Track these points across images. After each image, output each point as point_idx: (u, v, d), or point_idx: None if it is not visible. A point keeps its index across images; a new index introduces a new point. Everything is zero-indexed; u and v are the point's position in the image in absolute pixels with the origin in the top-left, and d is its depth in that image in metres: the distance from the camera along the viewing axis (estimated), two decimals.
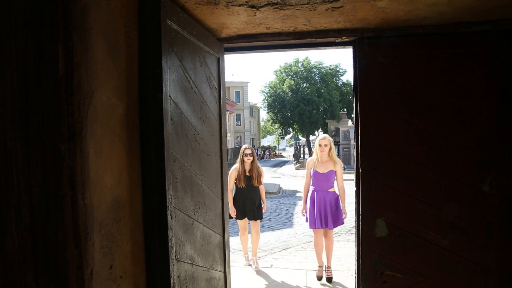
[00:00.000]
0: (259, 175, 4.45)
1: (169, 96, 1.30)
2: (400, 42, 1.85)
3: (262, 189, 4.54)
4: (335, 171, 4.09)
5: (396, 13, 1.67)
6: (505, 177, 1.81)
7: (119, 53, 1.13)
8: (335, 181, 4.10)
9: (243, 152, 4.41)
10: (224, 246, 1.92)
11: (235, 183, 4.29)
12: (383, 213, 1.90)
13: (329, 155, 3.99)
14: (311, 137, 38.02)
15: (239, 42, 2.00)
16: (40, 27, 0.91)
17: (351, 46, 1.97)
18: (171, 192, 1.30)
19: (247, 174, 4.39)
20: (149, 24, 1.24)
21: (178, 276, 1.34)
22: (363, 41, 1.90)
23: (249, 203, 4.40)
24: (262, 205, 4.62)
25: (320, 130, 32.60)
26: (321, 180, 3.99)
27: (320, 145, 3.94)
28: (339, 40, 1.96)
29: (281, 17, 1.68)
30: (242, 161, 4.35)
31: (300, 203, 12.03)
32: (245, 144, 4.87)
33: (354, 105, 1.98)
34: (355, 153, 2.01)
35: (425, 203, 1.86)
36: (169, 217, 1.27)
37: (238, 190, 4.35)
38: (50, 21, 0.91)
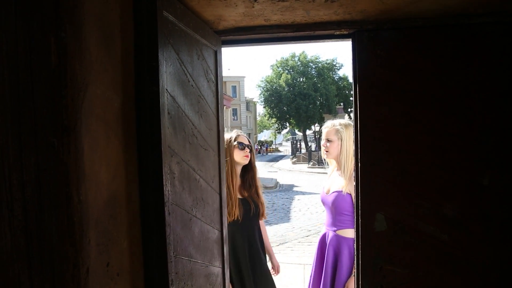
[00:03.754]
0: (260, 197, 2.28)
1: (166, 89, 1.27)
2: (400, 34, 1.83)
3: (262, 225, 2.37)
4: (350, 195, 2.27)
5: (396, 5, 1.64)
6: (505, 171, 1.80)
7: (114, 45, 1.10)
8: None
9: (234, 140, 2.21)
10: (222, 242, 1.90)
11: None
12: (383, 207, 1.89)
13: (338, 161, 2.36)
14: (308, 132, 38.08)
15: (236, 34, 1.96)
16: (31, 18, 0.88)
17: (350, 39, 1.94)
18: (169, 187, 1.27)
19: (244, 193, 2.23)
20: (144, 15, 1.21)
21: (176, 273, 1.32)
22: (362, 34, 1.87)
23: (247, 262, 2.19)
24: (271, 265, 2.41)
25: (316, 124, 32.62)
26: (326, 209, 2.41)
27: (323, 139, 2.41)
28: (338, 33, 1.93)
29: (280, 9, 1.65)
30: (231, 162, 2.14)
31: (298, 198, 12.08)
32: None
33: (353, 98, 1.95)
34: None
35: (425, 197, 1.85)
36: (166, 213, 1.24)
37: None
38: (41, 11, 0.88)
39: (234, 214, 2.14)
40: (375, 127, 1.88)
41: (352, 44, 1.92)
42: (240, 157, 2.21)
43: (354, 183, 1.99)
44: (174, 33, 1.37)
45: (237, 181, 2.21)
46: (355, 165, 1.95)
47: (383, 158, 1.88)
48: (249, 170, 2.27)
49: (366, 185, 1.91)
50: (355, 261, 1.98)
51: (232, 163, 2.14)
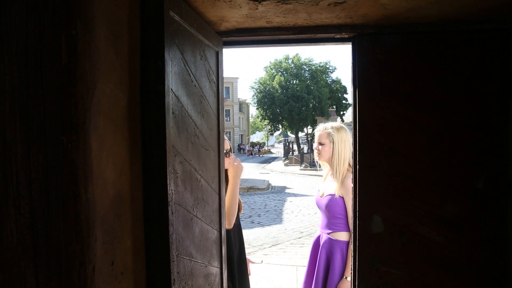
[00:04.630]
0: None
1: (171, 89, 1.28)
2: (400, 39, 1.86)
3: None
4: (342, 198, 2.30)
5: (398, 10, 1.67)
6: (499, 174, 1.84)
7: (121, 44, 1.10)
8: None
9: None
10: (220, 242, 1.90)
11: None
12: (380, 209, 1.91)
13: (331, 164, 2.36)
14: (300, 134, 38.20)
15: (237, 36, 1.97)
16: (42, 15, 0.88)
17: (350, 42, 1.97)
18: (172, 186, 1.28)
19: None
20: (151, 15, 1.21)
21: (178, 272, 1.32)
22: (362, 38, 1.89)
23: (236, 258, 2.28)
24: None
25: (309, 126, 32.76)
26: (321, 212, 2.43)
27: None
28: (338, 36, 1.95)
29: (283, 11, 1.66)
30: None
31: (290, 199, 12.11)
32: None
33: (352, 101, 1.98)
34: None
35: (421, 200, 1.88)
36: (170, 212, 1.25)
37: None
38: (52, 9, 0.88)
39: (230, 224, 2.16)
40: (373, 130, 1.90)
41: (352, 47, 1.95)
42: (226, 164, 2.16)
43: (352, 185, 2.01)
44: (179, 33, 1.37)
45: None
46: (353, 167, 1.98)
47: (381, 160, 1.91)
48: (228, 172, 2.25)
49: (364, 186, 1.93)
50: (352, 262, 1.99)
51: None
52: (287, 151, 31.07)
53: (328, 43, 2.06)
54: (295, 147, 36.00)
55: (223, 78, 1.97)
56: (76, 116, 0.89)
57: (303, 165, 23.34)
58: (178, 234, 1.33)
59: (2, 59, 0.87)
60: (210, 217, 1.75)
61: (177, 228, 1.32)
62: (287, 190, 14.48)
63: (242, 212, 2.43)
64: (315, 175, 18.71)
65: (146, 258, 1.24)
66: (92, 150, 0.94)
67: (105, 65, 1.00)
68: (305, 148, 31.09)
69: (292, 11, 1.66)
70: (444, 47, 1.84)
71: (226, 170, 2.26)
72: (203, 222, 1.64)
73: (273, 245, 6.90)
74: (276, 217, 9.44)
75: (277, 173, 22.60)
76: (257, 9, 1.61)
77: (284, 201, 11.96)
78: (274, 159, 35.52)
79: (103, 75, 0.99)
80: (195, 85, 1.55)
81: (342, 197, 2.31)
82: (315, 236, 2.51)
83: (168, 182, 1.24)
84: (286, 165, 26.64)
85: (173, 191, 1.28)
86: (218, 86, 1.90)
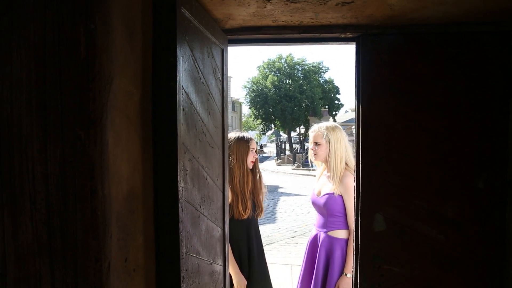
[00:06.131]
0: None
1: (182, 86, 1.27)
2: (404, 40, 1.88)
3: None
4: (341, 197, 2.33)
5: (403, 11, 1.68)
6: (499, 174, 1.87)
7: (136, 39, 1.09)
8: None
9: (248, 144, 2.30)
10: (224, 240, 1.90)
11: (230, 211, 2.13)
12: (382, 208, 1.93)
13: (327, 164, 2.38)
14: (292, 133, 38.24)
15: (242, 34, 1.97)
16: (61, 8, 0.87)
17: (354, 42, 1.98)
18: (182, 184, 1.27)
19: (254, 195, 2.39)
20: (164, 11, 1.20)
21: (186, 270, 1.31)
22: (367, 38, 1.91)
23: (251, 253, 2.33)
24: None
25: (301, 126, 32.82)
26: (317, 211, 2.45)
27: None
28: (343, 36, 1.96)
29: (290, 10, 1.67)
30: (245, 164, 2.27)
31: (283, 199, 12.13)
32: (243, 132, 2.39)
33: (355, 101, 1.99)
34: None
35: (423, 198, 1.91)
36: (180, 209, 1.24)
37: (236, 226, 2.24)
38: (71, 2, 0.87)
39: (249, 213, 2.29)
40: (376, 129, 1.92)
41: (356, 47, 1.96)
42: (249, 162, 2.32)
43: (353, 184, 2.03)
44: (189, 30, 1.37)
45: (250, 182, 2.33)
46: (356, 166, 1.99)
47: (384, 159, 1.92)
48: (255, 173, 2.42)
49: (366, 185, 1.94)
50: (354, 260, 2.01)
51: (245, 165, 2.28)
52: (280, 150, 31.11)
53: (332, 42, 2.07)
54: (287, 146, 36.07)
55: (227, 76, 1.97)
56: (94, 111, 0.89)
57: (296, 164, 23.41)
58: (187, 232, 1.33)
59: (19, 52, 0.86)
60: (215, 214, 1.74)
61: (186, 226, 1.32)
62: (280, 190, 14.50)
63: (262, 216, 2.50)
64: (308, 175, 18.77)
65: (156, 254, 1.24)
66: (108, 146, 0.93)
67: (121, 60, 1.00)
68: (298, 148, 31.17)
69: (299, 10, 1.67)
70: (446, 48, 1.86)
71: (254, 167, 2.42)
72: (208, 220, 1.64)
73: (267, 244, 6.91)
74: (270, 217, 9.45)
75: (269, 172, 22.60)
76: (265, 7, 1.61)
77: (277, 200, 11.98)
78: (266, 158, 35.54)
79: (119, 70, 0.99)
80: (203, 83, 1.54)
81: (341, 196, 2.33)
82: (311, 235, 2.51)
83: (178, 179, 1.24)
84: (278, 164, 26.68)
85: (183, 188, 1.28)
86: (223, 84, 1.90)
